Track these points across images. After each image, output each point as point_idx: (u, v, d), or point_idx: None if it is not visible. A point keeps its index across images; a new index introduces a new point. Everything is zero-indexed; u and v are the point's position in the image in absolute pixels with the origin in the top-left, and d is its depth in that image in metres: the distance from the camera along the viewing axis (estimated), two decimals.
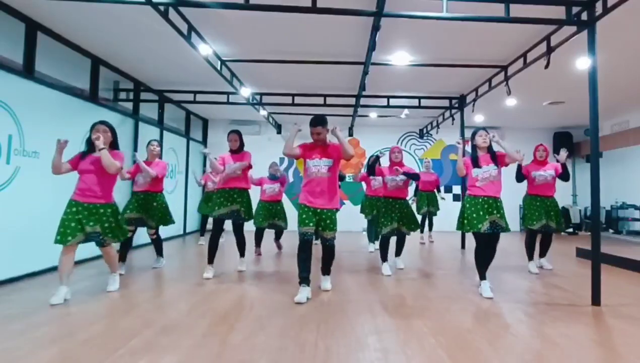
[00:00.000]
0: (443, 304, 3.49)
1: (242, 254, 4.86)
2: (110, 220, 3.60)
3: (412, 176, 4.73)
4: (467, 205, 3.84)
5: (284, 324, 2.91)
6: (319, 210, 3.69)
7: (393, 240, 4.94)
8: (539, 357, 2.36)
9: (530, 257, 5.00)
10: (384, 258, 4.80)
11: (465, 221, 3.81)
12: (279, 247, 6.50)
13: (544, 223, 4.85)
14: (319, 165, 3.78)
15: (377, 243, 5.23)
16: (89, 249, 4.67)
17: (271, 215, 5.84)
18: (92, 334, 2.67)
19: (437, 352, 2.41)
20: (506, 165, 3.87)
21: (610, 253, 5.26)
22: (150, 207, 4.68)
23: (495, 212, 3.76)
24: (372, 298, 3.68)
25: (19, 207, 4.15)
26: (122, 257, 4.56)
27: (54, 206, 4.58)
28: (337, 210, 3.82)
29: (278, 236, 6.48)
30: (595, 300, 3.44)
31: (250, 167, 4.57)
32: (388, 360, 2.31)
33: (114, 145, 3.69)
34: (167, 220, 4.86)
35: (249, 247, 5.22)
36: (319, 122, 3.84)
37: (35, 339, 2.55)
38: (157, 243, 5.01)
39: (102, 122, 3.64)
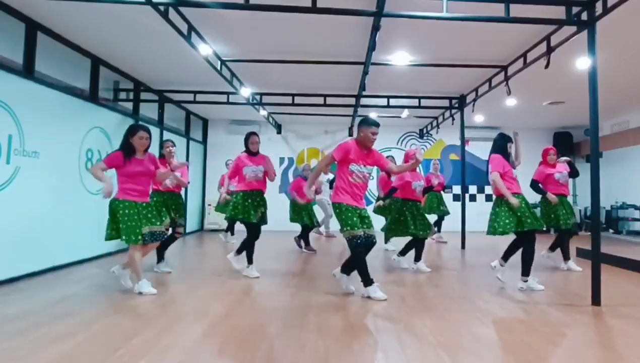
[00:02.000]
0: (443, 304, 3.49)
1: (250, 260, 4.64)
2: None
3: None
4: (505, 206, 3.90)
5: (284, 324, 2.91)
6: (358, 210, 3.65)
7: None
8: (539, 357, 2.36)
9: (566, 257, 5.09)
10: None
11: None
12: (304, 245, 6.52)
13: (573, 221, 4.98)
14: (364, 171, 3.68)
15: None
16: (89, 249, 4.71)
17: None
18: (92, 334, 2.67)
19: (437, 352, 2.41)
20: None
21: (610, 253, 5.25)
22: (177, 206, 4.78)
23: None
24: (372, 298, 3.67)
25: (19, 207, 4.15)
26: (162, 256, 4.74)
27: (54, 206, 4.60)
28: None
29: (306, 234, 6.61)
30: (595, 300, 3.44)
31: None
32: (388, 360, 2.31)
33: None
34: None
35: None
36: (378, 124, 3.73)
37: (35, 339, 2.55)
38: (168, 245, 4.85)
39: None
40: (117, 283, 3.87)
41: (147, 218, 3.64)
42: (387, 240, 6.50)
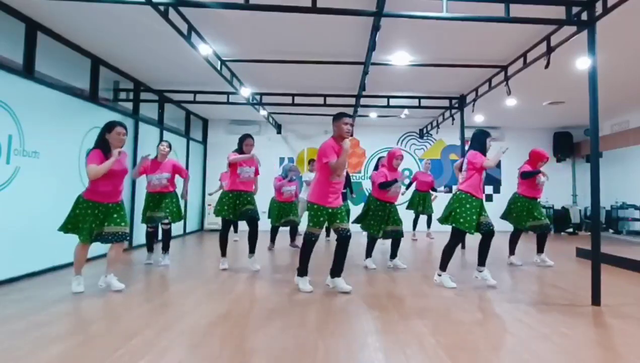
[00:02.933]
0: (443, 304, 3.49)
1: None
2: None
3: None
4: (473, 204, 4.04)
5: (284, 324, 2.91)
6: (330, 210, 3.81)
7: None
8: (539, 357, 2.36)
9: (513, 252, 5.51)
10: (368, 254, 5.11)
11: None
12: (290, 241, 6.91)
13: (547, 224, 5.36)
14: None
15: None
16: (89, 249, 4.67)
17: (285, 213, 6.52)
18: (92, 334, 2.67)
19: (437, 352, 2.41)
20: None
21: (610, 253, 5.25)
22: (166, 203, 4.99)
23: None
24: (372, 298, 3.68)
25: (19, 207, 4.15)
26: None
27: (54, 206, 4.59)
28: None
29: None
30: (595, 300, 3.44)
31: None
32: (388, 360, 2.31)
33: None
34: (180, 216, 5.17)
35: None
36: (350, 115, 3.95)
37: (35, 339, 2.55)
38: (168, 238, 5.23)
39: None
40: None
41: (107, 219, 3.62)
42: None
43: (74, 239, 3.68)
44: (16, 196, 4.12)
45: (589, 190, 3.60)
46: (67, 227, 3.60)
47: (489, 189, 10.40)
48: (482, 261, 4.22)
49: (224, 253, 4.91)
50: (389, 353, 2.41)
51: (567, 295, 3.84)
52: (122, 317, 3.08)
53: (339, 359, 2.33)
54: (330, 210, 3.80)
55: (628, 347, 2.56)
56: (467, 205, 3.99)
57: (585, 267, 4.48)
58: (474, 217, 3.96)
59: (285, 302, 3.50)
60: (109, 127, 3.66)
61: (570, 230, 9.75)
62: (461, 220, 3.96)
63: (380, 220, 4.86)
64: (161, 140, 7.45)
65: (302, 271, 3.90)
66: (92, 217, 3.61)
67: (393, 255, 5.14)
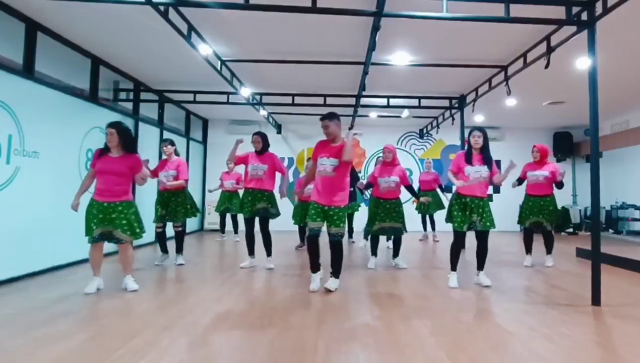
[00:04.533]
0: (443, 304, 3.49)
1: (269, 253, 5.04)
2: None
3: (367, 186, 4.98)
4: (454, 202, 4.11)
5: (284, 324, 2.91)
6: (326, 207, 3.79)
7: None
8: (539, 357, 2.36)
9: (527, 252, 5.38)
10: (373, 252, 5.13)
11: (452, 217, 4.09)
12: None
13: (535, 221, 5.23)
14: (325, 164, 3.80)
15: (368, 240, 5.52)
16: (89, 249, 4.67)
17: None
18: (92, 334, 2.67)
19: (437, 352, 2.41)
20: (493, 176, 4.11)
21: (610, 253, 5.25)
22: (174, 204, 5.08)
23: (478, 211, 4.01)
24: (372, 298, 3.68)
25: (19, 207, 4.15)
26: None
27: (54, 206, 4.59)
28: (345, 207, 3.86)
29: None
30: (595, 300, 3.44)
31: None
32: (388, 360, 2.31)
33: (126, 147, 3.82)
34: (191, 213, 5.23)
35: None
36: (325, 116, 3.89)
37: (35, 339, 2.55)
38: (179, 240, 5.28)
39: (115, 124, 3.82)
40: (117, 283, 3.88)
41: (99, 219, 3.67)
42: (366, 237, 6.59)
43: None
44: (16, 196, 4.11)
45: (589, 190, 3.60)
46: (86, 230, 3.71)
47: (489, 189, 10.39)
48: (478, 264, 4.21)
49: (250, 252, 5.02)
50: (389, 353, 2.41)
51: (567, 295, 3.83)
52: (122, 317, 3.08)
53: (339, 359, 2.32)
54: (322, 208, 3.79)
55: (628, 347, 2.56)
56: (454, 204, 4.11)
57: (585, 267, 4.49)
58: (458, 214, 4.03)
59: (286, 301, 3.50)
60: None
61: (570, 230, 9.75)
62: (451, 217, 4.12)
63: (373, 216, 4.91)
64: (161, 140, 7.48)
65: (310, 268, 3.96)
66: (91, 216, 3.67)
67: (395, 254, 5.15)
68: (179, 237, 5.25)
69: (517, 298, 3.74)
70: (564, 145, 10.25)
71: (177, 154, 5.25)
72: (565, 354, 2.41)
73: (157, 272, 4.74)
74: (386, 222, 4.88)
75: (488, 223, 4.00)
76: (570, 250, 6.56)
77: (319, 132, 4.03)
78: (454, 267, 4.15)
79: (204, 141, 10.12)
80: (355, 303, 3.50)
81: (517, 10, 3.65)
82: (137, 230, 3.78)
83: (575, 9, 3.75)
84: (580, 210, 10.04)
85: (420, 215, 7.94)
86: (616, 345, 2.64)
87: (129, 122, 6.44)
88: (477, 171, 3.99)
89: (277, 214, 4.94)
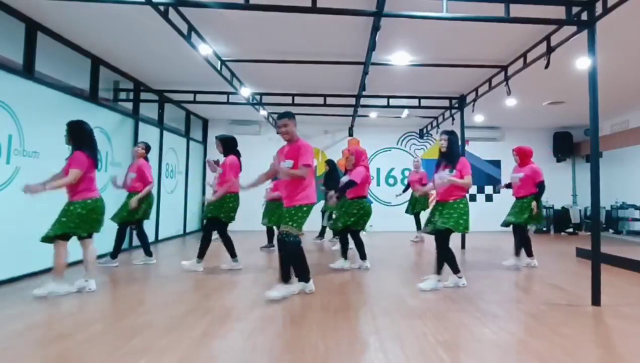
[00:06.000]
0: (443, 304, 3.49)
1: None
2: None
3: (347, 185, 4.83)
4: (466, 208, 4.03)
5: (284, 325, 2.91)
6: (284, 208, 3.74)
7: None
8: (539, 357, 2.36)
9: (515, 253, 5.27)
10: (362, 256, 5.06)
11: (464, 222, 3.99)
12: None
13: (508, 221, 5.22)
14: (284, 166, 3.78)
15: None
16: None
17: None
18: (92, 334, 2.67)
19: (437, 352, 2.41)
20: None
21: (610, 253, 5.25)
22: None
23: (441, 213, 4.00)
24: (371, 298, 3.68)
25: (19, 207, 4.15)
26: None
27: (54, 206, 4.59)
28: (300, 206, 3.61)
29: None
30: (595, 300, 3.44)
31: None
32: (388, 360, 2.31)
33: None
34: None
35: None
36: (284, 115, 3.88)
37: (35, 339, 2.55)
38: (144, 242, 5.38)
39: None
40: (116, 283, 3.88)
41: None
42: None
43: (73, 239, 3.69)
44: (16, 196, 4.11)
45: (589, 190, 3.60)
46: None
47: (488, 189, 10.42)
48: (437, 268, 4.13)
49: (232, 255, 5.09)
50: (389, 353, 2.41)
51: (567, 295, 3.83)
52: (122, 317, 3.07)
53: (339, 359, 2.32)
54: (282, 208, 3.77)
55: (628, 347, 2.56)
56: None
57: (585, 267, 4.48)
58: (429, 217, 4.17)
59: (286, 302, 3.50)
60: None
61: (570, 230, 9.75)
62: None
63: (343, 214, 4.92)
64: (161, 140, 7.49)
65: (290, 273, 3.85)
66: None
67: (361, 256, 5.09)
68: (138, 237, 5.37)
69: (517, 298, 3.74)
70: (564, 145, 10.25)
71: (146, 159, 5.28)
72: (565, 354, 2.41)
73: (156, 273, 4.74)
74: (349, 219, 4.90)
75: (440, 223, 3.93)
76: (570, 250, 6.56)
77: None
78: (436, 270, 4.10)
79: (204, 141, 10.11)
80: (355, 303, 3.50)
81: (517, 10, 3.65)
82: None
83: (575, 9, 3.75)
84: (580, 210, 10.04)
85: (412, 216, 7.87)
86: (616, 345, 2.64)
87: (129, 122, 6.45)
88: (440, 177, 4.05)
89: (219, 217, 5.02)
